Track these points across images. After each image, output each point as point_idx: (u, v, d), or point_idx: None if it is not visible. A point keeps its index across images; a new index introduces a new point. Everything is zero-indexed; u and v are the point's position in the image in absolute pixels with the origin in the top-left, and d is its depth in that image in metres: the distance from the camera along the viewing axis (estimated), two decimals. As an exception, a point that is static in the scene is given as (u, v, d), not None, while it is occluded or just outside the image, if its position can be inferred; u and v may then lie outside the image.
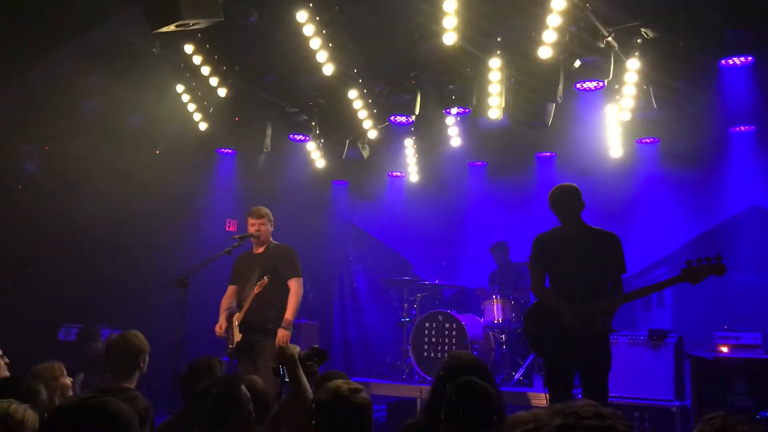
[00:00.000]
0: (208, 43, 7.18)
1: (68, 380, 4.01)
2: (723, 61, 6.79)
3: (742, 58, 6.69)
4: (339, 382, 3.09)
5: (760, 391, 6.46)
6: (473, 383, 3.05)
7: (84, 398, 2.40)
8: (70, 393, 4.07)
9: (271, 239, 6.47)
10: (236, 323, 6.15)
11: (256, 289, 6.02)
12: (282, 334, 6.05)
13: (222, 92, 7.58)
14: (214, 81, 7.47)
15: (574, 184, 5.35)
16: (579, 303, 5.02)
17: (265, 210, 6.45)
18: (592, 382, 5.10)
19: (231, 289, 6.47)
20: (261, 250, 6.41)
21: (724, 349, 6.82)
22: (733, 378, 6.60)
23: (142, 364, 4.22)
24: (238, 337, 6.12)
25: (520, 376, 7.92)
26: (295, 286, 6.22)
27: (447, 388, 3.13)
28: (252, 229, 6.35)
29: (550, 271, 5.29)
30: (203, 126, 8.18)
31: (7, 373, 4.00)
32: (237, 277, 6.45)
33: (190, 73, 7.60)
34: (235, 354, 6.20)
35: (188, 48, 7.13)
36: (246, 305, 6.08)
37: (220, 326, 6.29)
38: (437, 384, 3.64)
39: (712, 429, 2.01)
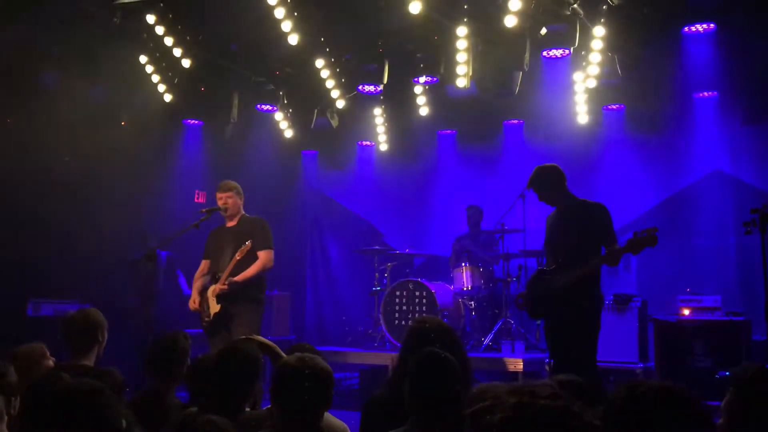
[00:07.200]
0: (170, 12, 7.06)
1: (51, 361, 3.92)
2: (686, 28, 6.88)
3: (705, 25, 6.79)
4: (302, 353, 3.03)
5: (718, 353, 6.66)
6: (433, 355, 2.97)
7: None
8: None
9: (243, 212, 6.44)
10: (212, 295, 6.11)
11: (238, 256, 5.96)
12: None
13: (186, 63, 7.47)
14: (178, 51, 7.36)
15: (555, 165, 5.44)
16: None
17: (233, 183, 6.39)
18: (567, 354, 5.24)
19: (204, 263, 6.41)
20: (233, 223, 6.35)
21: (686, 312, 7.02)
22: (693, 340, 6.80)
23: (100, 339, 4.18)
24: (215, 308, 6.01)
25: (489, 341, 8.06)
26: (264, 257, 6.16)
27: (411, 358, 3.07)
28: (220, 203, 6.30)
29: (548, 247, 5.62)
30: (168, 97, 8.06)
31: None
32: (210, 252, 6.39)
33: (154, 44, 7.47)
34: (212, 327, 6.08)
35: (150, 18, 7.01)
36: (224, 274, 6.03)
37: (194, 300, 6.20)
38: (403, 351, 3.55)
39: None
